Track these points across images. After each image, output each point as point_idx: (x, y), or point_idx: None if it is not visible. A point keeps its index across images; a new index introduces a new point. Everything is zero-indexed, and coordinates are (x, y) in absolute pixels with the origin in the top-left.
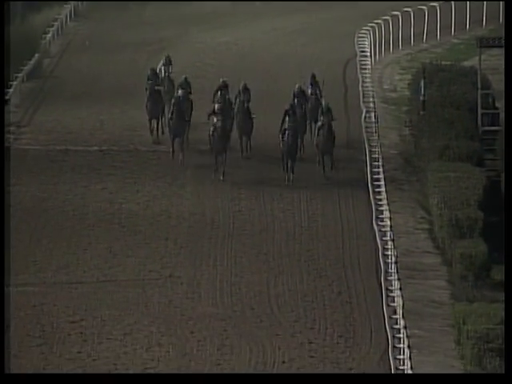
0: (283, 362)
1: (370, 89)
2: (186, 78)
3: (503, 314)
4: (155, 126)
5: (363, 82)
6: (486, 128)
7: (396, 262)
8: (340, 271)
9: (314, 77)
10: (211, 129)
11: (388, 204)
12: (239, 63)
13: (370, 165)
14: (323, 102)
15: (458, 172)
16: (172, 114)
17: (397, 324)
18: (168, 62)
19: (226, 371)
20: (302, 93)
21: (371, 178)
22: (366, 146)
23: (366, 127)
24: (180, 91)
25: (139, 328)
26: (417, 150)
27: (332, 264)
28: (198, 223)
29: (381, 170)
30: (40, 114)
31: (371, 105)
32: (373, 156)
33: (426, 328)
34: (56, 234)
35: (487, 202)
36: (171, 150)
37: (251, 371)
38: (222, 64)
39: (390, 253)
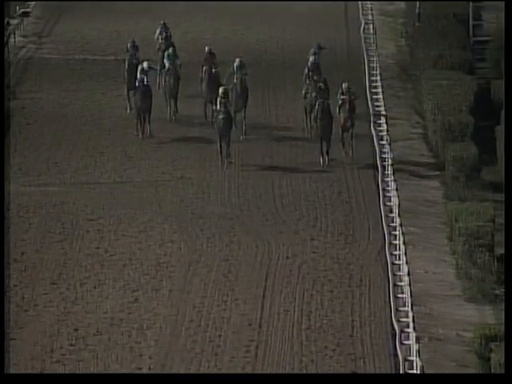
0: (287, 258)
1: (369, 2)
2: (174, 50)
3: (492, 212)
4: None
5: None
6: (477, 38)
7: (392, 165)
8: (340, 173)
9: (319, 45)
10: (215, 114)
11: (385, 110)
12: None
13: (369, 73)
14: (344, 85)
15: (451, 80)
16: (136, 89)
17: (393, 222)
18: (165, 29)
19: (233, 266)
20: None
21: (370, 85)
22: (365, 55)
23: (365, 38)
24: (145, 63)
25: (153, 226)
26: (412, 60)
27: (333, 166)
28: (208, 129)
29: (378, 78)
30: (60, 25)
31: (370, 17)
32: (371, 65)
33: (420, 225)
34: (75, 138)
35: (477, 108)
36: (137, 126)
37: (257, 266)
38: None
39: (386, 156)
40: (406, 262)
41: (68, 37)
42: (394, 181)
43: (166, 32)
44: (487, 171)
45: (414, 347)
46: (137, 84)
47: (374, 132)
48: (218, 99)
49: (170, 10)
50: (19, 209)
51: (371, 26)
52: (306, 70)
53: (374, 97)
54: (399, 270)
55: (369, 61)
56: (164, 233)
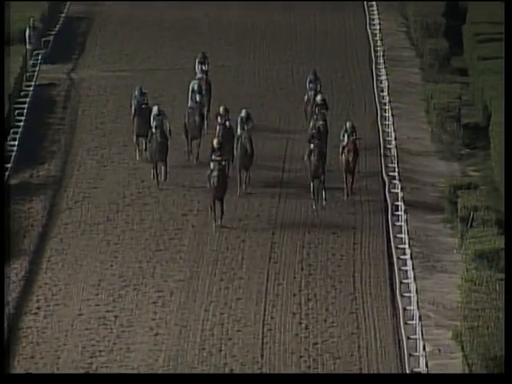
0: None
1: None
2: (199, 84)
3: (459, 91)
4: (143, 145)
5: None
6: None
7: (384, 56)
8: (340, 61)
9: (315, 73)
10: (209, 171)
11: (378, 13)
12: None
13: None
14: (347, 123)
15: None
16: (152, 135)
17: (383, 99)
18: (203, 60)
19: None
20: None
21: None
22: None
23: None
24: (155, 108)
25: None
26: None
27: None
28: (243, 29)
29: None
30: None
31: None
32: None
33: (404, 102)
34: (141, 35)
35: (448, 12)
36: (154, 172)
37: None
38: None
39: (379, 49)
40: (394, 130)
41: None
42: (385, 68)
43: (205, 64)
44: (455, 60)
45: (400, 194)
46: (152, 131)
47: (369, 30)
48: (212, 156)
49: None
50: (99, 90)
51: None
52: (313, 107)
53: (370, 3)
54: (388, 135)
55: None
56: None
